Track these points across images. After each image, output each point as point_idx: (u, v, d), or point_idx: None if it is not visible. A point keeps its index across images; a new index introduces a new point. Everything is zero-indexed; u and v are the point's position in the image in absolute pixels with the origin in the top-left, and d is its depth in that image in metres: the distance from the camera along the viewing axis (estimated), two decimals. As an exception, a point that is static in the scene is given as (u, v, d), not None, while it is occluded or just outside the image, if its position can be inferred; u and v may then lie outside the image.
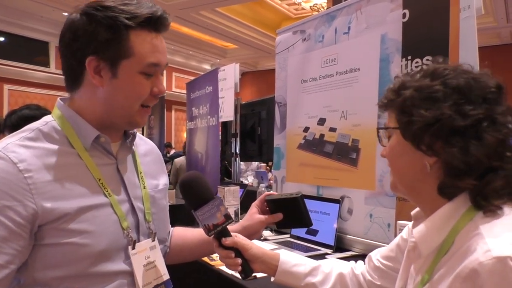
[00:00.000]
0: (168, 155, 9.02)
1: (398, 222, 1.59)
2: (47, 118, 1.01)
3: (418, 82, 0.83)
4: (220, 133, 3.71)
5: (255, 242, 1.17)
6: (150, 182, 1.14)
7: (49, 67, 10.00)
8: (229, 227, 1.09)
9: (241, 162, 4.18)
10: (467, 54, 1.63)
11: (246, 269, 1.11)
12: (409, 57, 1.76)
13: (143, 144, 1.21)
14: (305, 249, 2.10)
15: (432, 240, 0.80)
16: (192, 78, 4.92)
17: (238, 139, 3.73)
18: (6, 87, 9.33)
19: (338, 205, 2.17)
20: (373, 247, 1.24)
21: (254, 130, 3.58)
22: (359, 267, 1.16)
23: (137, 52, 0.96)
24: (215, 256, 1.77)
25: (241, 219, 1.30)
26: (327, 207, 2.23)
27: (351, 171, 2.16)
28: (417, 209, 0.93)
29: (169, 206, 1.26)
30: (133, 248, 1.01)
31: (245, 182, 5.16)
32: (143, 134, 3.85)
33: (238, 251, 1.10)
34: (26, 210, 0.87)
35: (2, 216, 0.85)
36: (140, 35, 0.96)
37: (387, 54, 1.98)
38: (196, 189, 1.07)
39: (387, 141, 0.91)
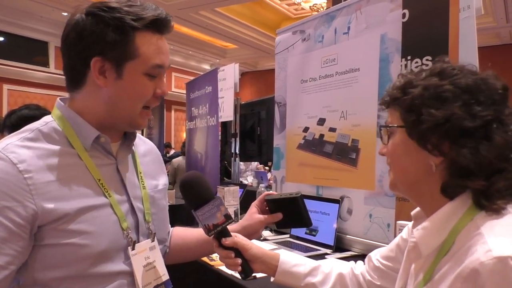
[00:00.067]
0: (167, 155, 9.02)
1: (397, 222, 1.59)
2: (47, 119, 1.01)
3: (427, 81, 0.82)
4: (219, 133, 3.71)
5: (255, 242, 1.17)
6: (150, 183, 1.14)
7: (48, 67, 10.01)
8: (228, 227, 1.09)
9: (241, 162, 4.18)
10: (466, 54, 1.63)
11: (246, 269, 1.11)
12: (409, 57, 1.76)
13: (142, 144, 1.21)
14: (304, 249, 2.10)
15: (432, 240, 0.80)
16: (191, 78, 4.93)
17: (237, 139, 3.73)
18: (6, 87, 9.33)
19: (338, 205, 2.17)
20: (372, 247, 1.24)
21: (254, 130, 3.58)
22: (359, 267, 1.16)
23: (142, 54, 0.96)
24: (215, 256, 1.77)
25: (240, 219, 1.29)
26: (326, 207, 2.23)
27: (351, 171, 2.16)
28: (417, 209, 0.92)
29: (169, 206, 1.26)
30: (133, 248, 1.01)
31: (245, 182, 5.16)
32: (142, 134, 3.84)
33: (238, 251, 1.10)
34: (26, 211, 0.87)
35: (2, 217, 0.85)
36: (145, 37, 0.96)
37: (386, 54, 1.98)
38: (196, 189, 1.07)
39: (387, 139, 0.91)
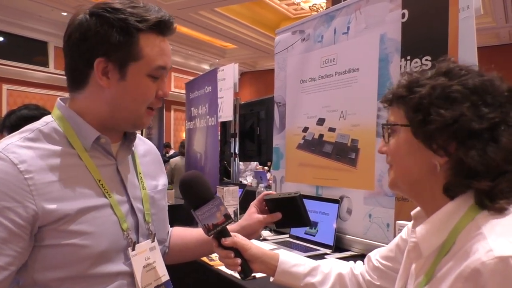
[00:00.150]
0: (167, 155, 9.01)
1: (397, 222, 1.59)
2: (47, 119, 1.01)
3: (434, 81, 0.81)
4: (219, 133, 3.70)
5: (254, 242, 1.17)
6: (149, 183, 1.14)
7: (48, 67, 10.00)
8: (228, 227, 1.09)
9: (240, 162, 4.18)
10: (466, 54, 1.63)
11: (246, 269, 1.11)
12: (408, 57, 1.76)
13: (142, 144, 1.21)
14: (304, 249, 2.10)
15: (433, 240, 0.80)
16: (191, 78, 4.92)
17: (237, 139, 3.73)
18: (5, 87, 9.32)
19: (337, 205, 2.17)
20: (372, 247, 1.24)
21: (253, 130, 3.58)
22: (358, 267, 1.16)
23: (146, 55, 0.96)
24: (214, 256, 1.77)
25: (240, 219, 1.29)
26: (326, 207, 2.23)
27: (350, 171, 2.16)
28: (417, 209, 0.92)
29: (168, 206, 1.26)
30: (133, 249, 1.01)
31: (244, 182, 5.16)
32: (142, 134, 3.84)
33: (237, 251, 1.10)
34: (27, 211, 0.87)
35: (2, 217, 0.85)
36: (149, 38, 0.96)
37: (386, 54, 1.98)
38: (196, 189, 1.07)
39: (388, 137, 0.90)
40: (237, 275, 1.16)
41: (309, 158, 2.44)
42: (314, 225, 2.24)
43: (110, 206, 0.98)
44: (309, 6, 9.42)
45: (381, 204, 1.97)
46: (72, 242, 0.90)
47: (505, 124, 0.77)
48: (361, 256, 1.78)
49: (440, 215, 0.80)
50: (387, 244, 1.12)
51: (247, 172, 6.50)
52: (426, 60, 1.67)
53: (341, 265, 1.18)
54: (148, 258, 1.05)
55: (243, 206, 2.44)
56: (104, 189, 0.98)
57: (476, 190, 0.77)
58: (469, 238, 0.74)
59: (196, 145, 3.97)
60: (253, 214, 1.26)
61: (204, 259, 1.93)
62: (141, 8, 0.96)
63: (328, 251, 2.07)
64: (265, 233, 2.41)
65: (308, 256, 1.33)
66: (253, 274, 1.14)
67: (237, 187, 2.69)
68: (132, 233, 1.02)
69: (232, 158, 3.82)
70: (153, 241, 1.08)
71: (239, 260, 1.09)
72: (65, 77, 1.02)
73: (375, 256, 1.12)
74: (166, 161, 6.05)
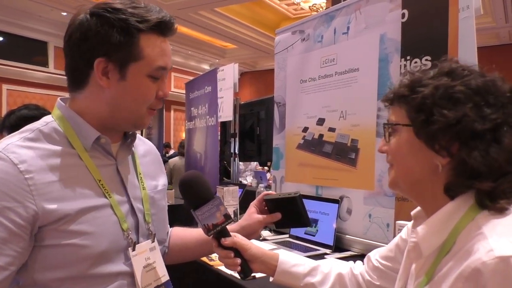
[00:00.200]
0: (167, 155, 9.01)
1: (397, 222, 1.59)
2: (47, 119, 1.01)
3: (437, 81, 0.81)
4: (219, 133, 3.71)
5: (254, 242, 1.17)
6: (149, 183, 1.14)
7: (47, 67, 10.00)
8: (227, 227, 1.09)
9: (240, 162, 4.18)
10: (466, 54, 1.63)
11: (245, 269, 1.11)
12: (408, 57, 1.76)
13: (141, 144, 1.21)
14: (304, 249, 2.10)
15: (433, 240, 0.80)
16: (191, 78, 4.92)
17: (237, 139, 3.73)
18: (5, 87, 9.32)
19: (337, 205, 2.17)
20: (372, 247, 1.24)
21: (253, 130, 3.58)
22: (358, 267, 1.16)
23: (146, 56, 0.96)
24: (214, 256, 1.77)
25: (240, 219, 1.29)
26: (326, 207, 2.23)
27: (350, 171, 2.16)
28: (417, 209, 0.92)
29: (168, 206, 1.26)
30: (133, 249, 1.01)
31: (244, 182, 5.17)
32: (141, 134, 3.84)
33: (237, 251, 1.10)
34: (27, 211, 0.87)
35: (2, 217, 0.85)
36: (149, 39, 0.96)
37: (386, 54, 1.98)
38: (196, 189, 1.07)
39: (388, 137, 0.90)
40: (237, 275, 1.16)
41: (309, 158, 2.44)
42: (314, 223, 2.24)
43: (110, 206, 0.98)
44: (309, 6, 9.42)
45: (381, 204, 1.97)
46: (72, 242, 0.90)
47: (507, 125, 0.77)
48: (361, 256, 1.77)
49: (441, 215, 0.80)
50: (387, 244, 1.12)
51: (247, 172, 6.51)
52: (426, 60, 1.68)
53: (341, 265, 1.18)
54: (148, 258, 1.05)
55: (243, 206, 2.44)
56: (104, 189, 0.98)
57: (478, 191, 0.77)
58: (469, 238, 0.74)
59: (196, 145, 3.97)
60: (253, 214, 1.26)
61: (204, 259, 1.93)
62: (142, 8, 0.96)
63: (328, 251, 2.07)
64: (265, 233, 2.41)
65: (308, 256, 1.33)
66: (253, 274, 1.14)
67: (237, 187, 2.69)
68: (132, 233, 1.02)
69: (232, 158, 3.82)
70: (153, 241, 1.08)
71: (239, 260, 1.09)
72: (65, 77, 1.02)
73: (374, 256, 1.12)
74: (165, 161, 6.05)
